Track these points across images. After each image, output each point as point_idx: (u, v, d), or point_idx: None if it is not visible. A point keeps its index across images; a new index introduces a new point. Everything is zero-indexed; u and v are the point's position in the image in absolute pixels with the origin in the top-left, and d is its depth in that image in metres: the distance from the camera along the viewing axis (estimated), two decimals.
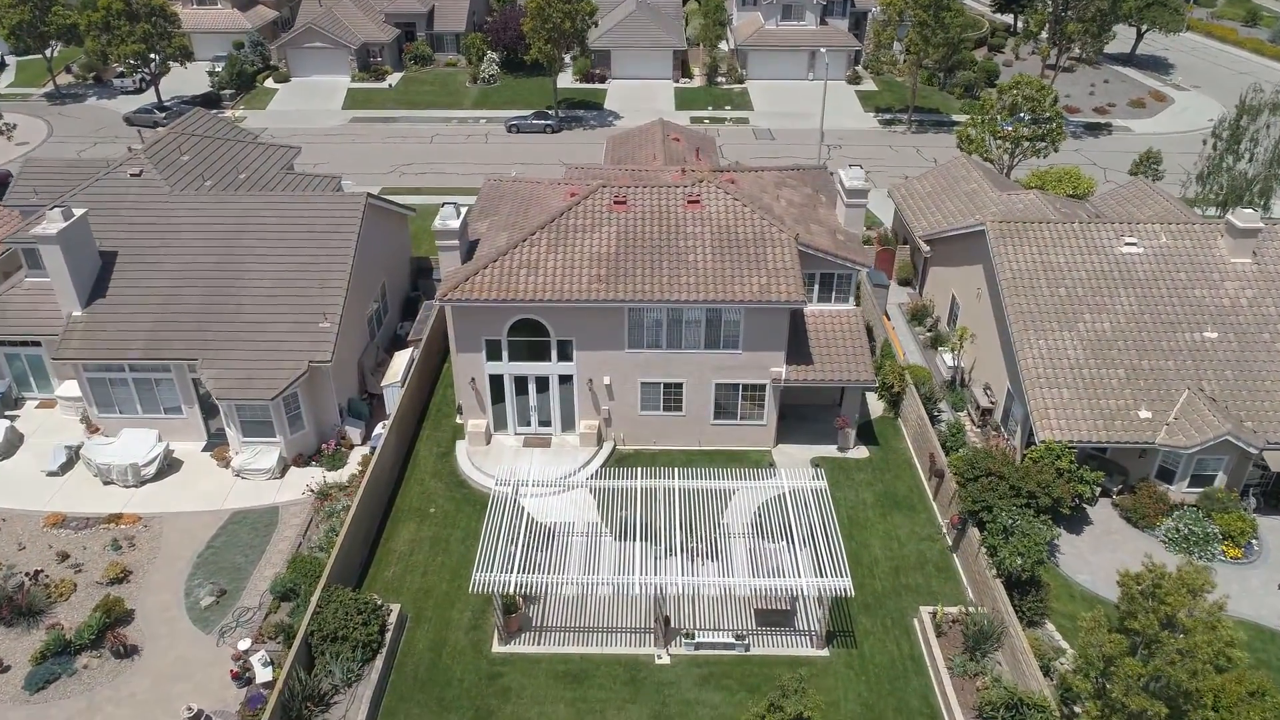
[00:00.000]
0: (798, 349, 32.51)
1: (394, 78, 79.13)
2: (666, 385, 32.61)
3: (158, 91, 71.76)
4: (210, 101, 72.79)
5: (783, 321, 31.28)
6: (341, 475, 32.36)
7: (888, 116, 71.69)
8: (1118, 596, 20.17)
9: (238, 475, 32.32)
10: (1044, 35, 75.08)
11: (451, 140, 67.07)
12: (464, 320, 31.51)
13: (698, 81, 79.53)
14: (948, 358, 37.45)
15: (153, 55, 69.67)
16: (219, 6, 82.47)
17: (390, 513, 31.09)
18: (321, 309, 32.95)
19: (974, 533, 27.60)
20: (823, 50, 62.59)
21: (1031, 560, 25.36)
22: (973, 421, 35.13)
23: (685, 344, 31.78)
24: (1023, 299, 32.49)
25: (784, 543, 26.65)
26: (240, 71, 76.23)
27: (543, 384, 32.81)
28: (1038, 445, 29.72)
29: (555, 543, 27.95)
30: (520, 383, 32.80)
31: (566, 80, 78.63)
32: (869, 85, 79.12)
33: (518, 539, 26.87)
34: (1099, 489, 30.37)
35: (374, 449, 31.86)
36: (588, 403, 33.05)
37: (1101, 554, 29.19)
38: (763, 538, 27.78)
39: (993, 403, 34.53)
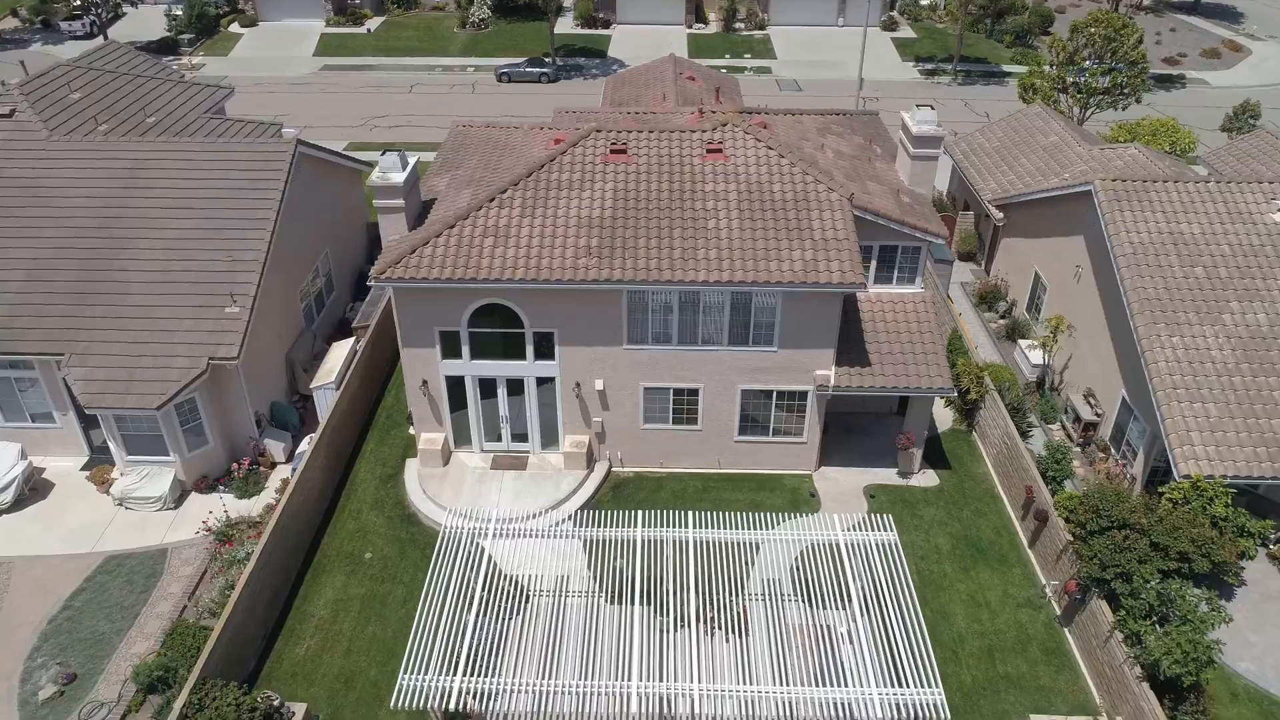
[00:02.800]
0: (850, 345, 24.79)
1: (374, 22, 70.86)
2: (677, 392, 24.97)
3: (106, 37, 63.89)
4: (166, 47, 64.91)
5: (833, 310, 23.54)
6: (255, 505, 24.96)
7: (929, 66, 63.23)
8: None
9: (120, 504, 24.91)
10: None
11: (433, 90, 58.99)
12: (412, 306, 23.88)
13: (713, 27, 71.07)
14: (1034, 354, 29.64)
15: None
16: None
17: (313, 558, 23.67)
18: (230, 289, 25.32)
19: (1098, 604, 20.05)
20: None
21: (1197, 664, 17.79)
22: (1069, 437, 27.41)
23: (703, 339, 24.10)
24: (1148, 281, 24.64)
25: (842, 624, 19.13)
26: (201, 14, 68.03)
27: (516, 388, 25.23)
28: (1178, 481, 22.00)
29: (527, 610, 20.52)
30: (487, 386, 25.22)
31: (566, 25, 70.23)
32: (906, 32, 70.48)
33: (473, 603, 19.58)
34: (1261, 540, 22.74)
35: (296, 470, 24.41)
36: (575, 413, 25.45)
37: (1267, 631, 21.56)
38: (808, 604, 20.28)
39: (1099, 415, 26.78)
